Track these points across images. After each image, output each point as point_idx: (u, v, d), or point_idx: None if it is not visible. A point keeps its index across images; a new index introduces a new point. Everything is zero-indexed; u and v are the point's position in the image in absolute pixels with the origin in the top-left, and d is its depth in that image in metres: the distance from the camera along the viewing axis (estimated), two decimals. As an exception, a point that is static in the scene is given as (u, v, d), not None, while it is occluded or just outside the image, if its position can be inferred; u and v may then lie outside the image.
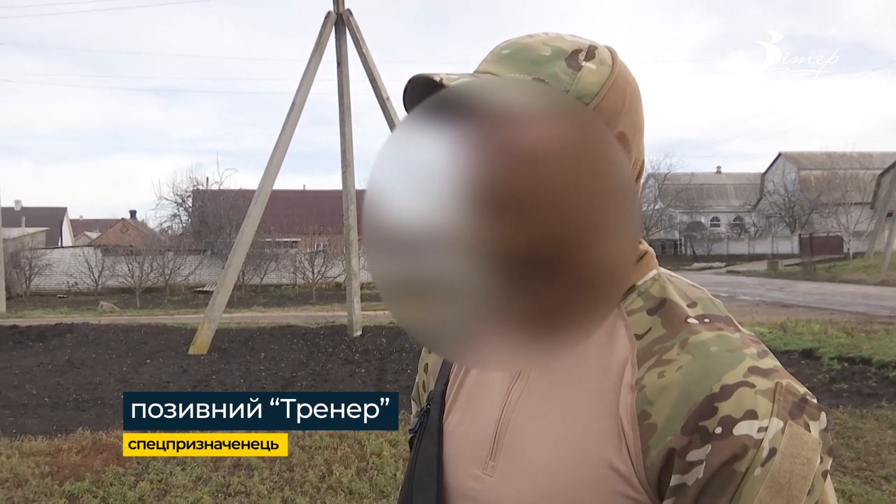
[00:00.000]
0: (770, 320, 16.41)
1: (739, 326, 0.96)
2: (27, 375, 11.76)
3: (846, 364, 11.08)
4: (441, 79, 0.91)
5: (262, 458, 6.71)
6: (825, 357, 11.63)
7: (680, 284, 1.02)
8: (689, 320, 0.94)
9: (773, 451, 0.82)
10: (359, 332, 15.91)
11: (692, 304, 0.97)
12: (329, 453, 6.85)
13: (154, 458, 6.67)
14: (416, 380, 1.31)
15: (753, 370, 0.86)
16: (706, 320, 0.94)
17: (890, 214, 37.16)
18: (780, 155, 65.39)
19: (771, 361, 0.89)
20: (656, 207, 64.44)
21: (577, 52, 1.00)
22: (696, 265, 52.59)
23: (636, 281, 1.00)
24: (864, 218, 48.91)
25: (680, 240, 67.52)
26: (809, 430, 0.84)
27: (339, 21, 16.00)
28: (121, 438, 7.21)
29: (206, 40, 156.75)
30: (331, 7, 15.99)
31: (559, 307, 0.79)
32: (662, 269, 1.04)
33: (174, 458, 6.71)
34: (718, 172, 74.65)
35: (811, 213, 56.22)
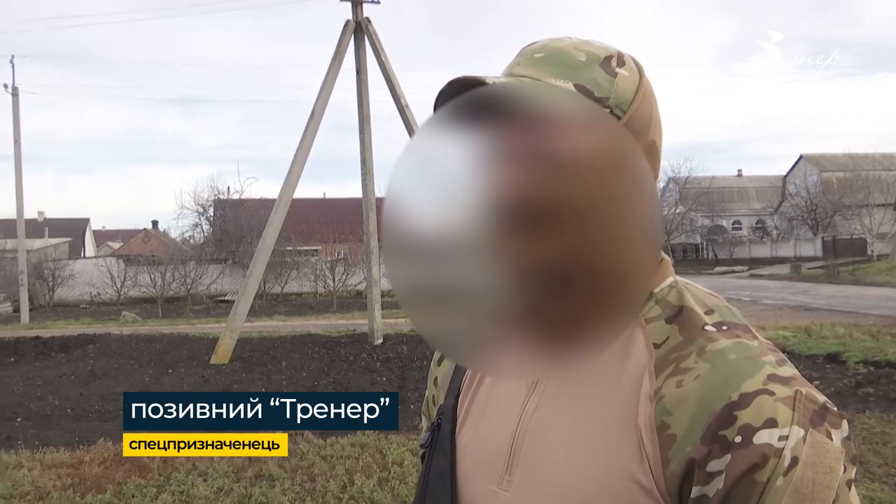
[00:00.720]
0: (794, 324, 16.29)
1: (757, 334, 0.94)
2: (49, 386, 11.83)
3: (872, 368, 10.94)
4: (494, 82, 0.87)
5: (284, 468, 6.70)
6: (850, 361, 11.50)
7: (696, 292, 1.00)
8: (707, 328, 0.92)
9: (794, 460, 0.80)
10: (380, 340, 15.91)
11: (709, 312, 0.95)
12: (351, 463, 6.83)
13: (176, 470, 6.67)
14: (426, 393, 1.28)
15: (773, 378, 0.84)
16: (724, 328, 0.92)
17: (914, 216, 36.85)
18: (801, 157, 65.00)
19: (790, 369, 0.87)
20: (677, 211, 64.22)
21: (609, 57, 0.98)
22: (719, 269, 52.38)
23: (653, 288, 0.98)
24: (888, 220, 48.57)
25: (701, 244, 67.26)
26: (831, 439, 0.82)
27: (358, 29, 16.07)
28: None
29: (227, 50, 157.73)
30: (350, 16, 16.05)
31: (580, 318, 0.78)
32: (679, 277, 1.02)
33: (196, 469, 6.71)
34: (740, 175, 74.33)
35: (834, 215, 55.84)
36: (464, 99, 0.79)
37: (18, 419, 9.58)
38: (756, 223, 69.42)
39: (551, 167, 0.74)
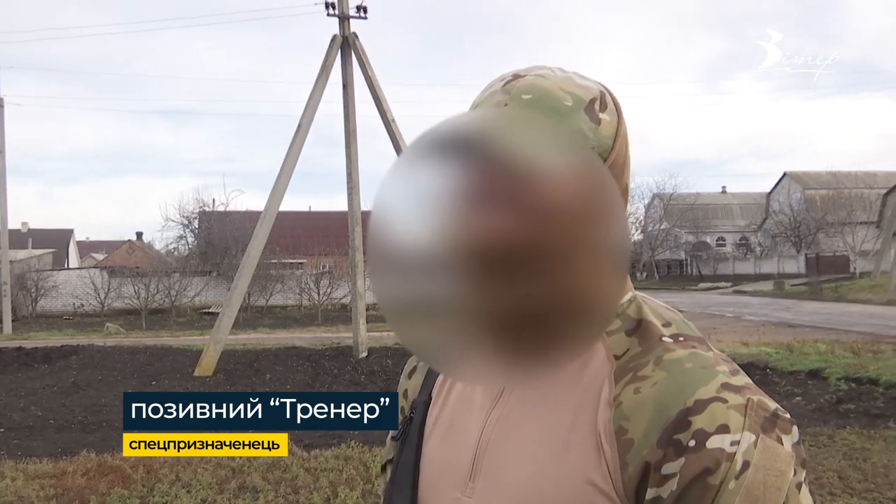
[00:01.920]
0: (776, 340, 16.36)
1: (711, 346, 0.97)
2: (32, 397, 11.78)
3: (853, 384, 11.01)
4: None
5: (268, 480, 6.71)
6: (832, 377, 11.57)
7: (654, 306, 1.03)
8: (664, 339, 0.96)
9: (746, 464, 0.83)
10: (364, 354, 15.91)
11: (667, 325, 0.99)
12: (334, 475, 6.84)
13: (160, 481, 6.66)
14: (399, 405, 1.33)
15: (726, 386, 0.87)
16: (680, 339, 0.96)
17: (896, 234, 37.11)
18: (785, 174, 65.40)
19: (743, 379, 0.91)
20: (662, 227, 64.49)
21: (593, 101, 1.00)
22: (703, 285, 52.56)
23: None
24: (870, 237, 48.84)
25: (686, 260, 67.53)
26: (782, 444, 0.86)
27: (345, 44, 16.13)
28: (126, 461, 7.22)
29: (214, 63, 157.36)
30: (337, 30, 16.11)
31: (550, 341, 0.81)
32: (637, 292, 1.05)
33: (179, 480, 6.71)
34: (724, 192, 74.72)
35: (817, 232, 56.17)
36: (450, 133, 0.81)
37: (1, 430, 9.55)
38: (740, 240, 69.74)
39: (535, 213, 0.76)
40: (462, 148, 0.79)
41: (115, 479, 6.75)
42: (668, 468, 0.85)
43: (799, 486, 0.86)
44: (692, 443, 0.84)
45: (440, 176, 0.78)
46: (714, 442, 0.83)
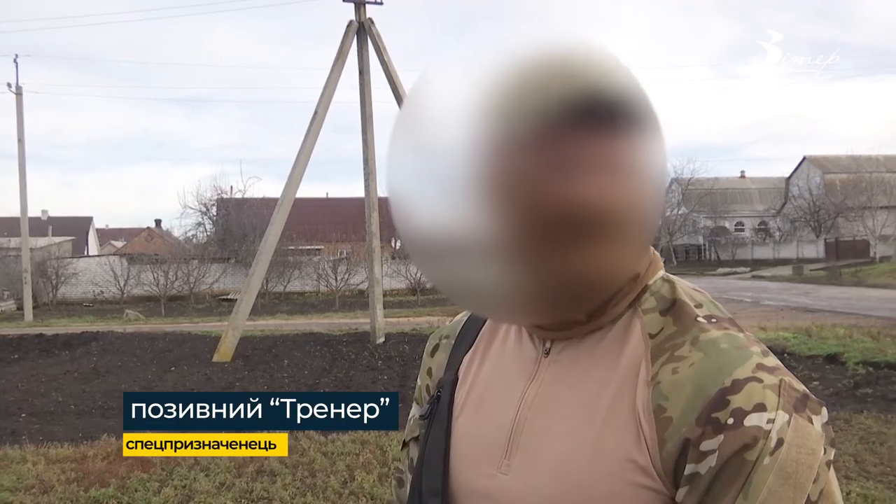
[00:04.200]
0: (795, 325, 16.30)
1: (742, 327, 0.99)
2: (53, 383, 11.90)
3: (871, 369, 10.96)
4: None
5: (285, 463, 6.76)
6: (850, 362, 11.52)
7: (685, 287, 1.05)
8: (699, 319, 0.98)
9: (780, 442, 0.85)
10: (381, 339, 15.95)
11: (699, 305, 1.01)
12: (351, 459, 6.88)
13: (178, 465, 6.73)
14: (419, 382, 1.32)
15: (760, 367, 0.90)
16: (713, 320, 0.98)
17: (916, 218, 36.80)
18: (804, 159, 64.88)
19: (773, 360, 0.93)
20: (680, 212, 64.09)
21: None
22: (721, 270, 52.29)
23: (648, 281, 1.03)
24: (891, 221, 48.47)
25: (704, 245, 67.14)
26: (813, 423, 0.88)
27: (361, 30, 16.09)
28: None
29: (231, 50, 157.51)
30: (352, 16, 16.09)
31: (569, 297, 0.88)
32: (667, 273, 1.07)
33: (198, 464, 6.77)
34: (742, 177, 74.16)
35: (836, 216, 55.75)
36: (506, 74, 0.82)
37: (23, 415, 9.65)
38: (759, 225, 69.28)
39: (609, 175, 0.81)
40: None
41: (135, 463, 6.82)
42: (706, 445, 0.87)
43: (829, 465, 0.88)
44: (731, 420, 0.86)
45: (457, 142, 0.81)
46: (752, 420, 0.86)
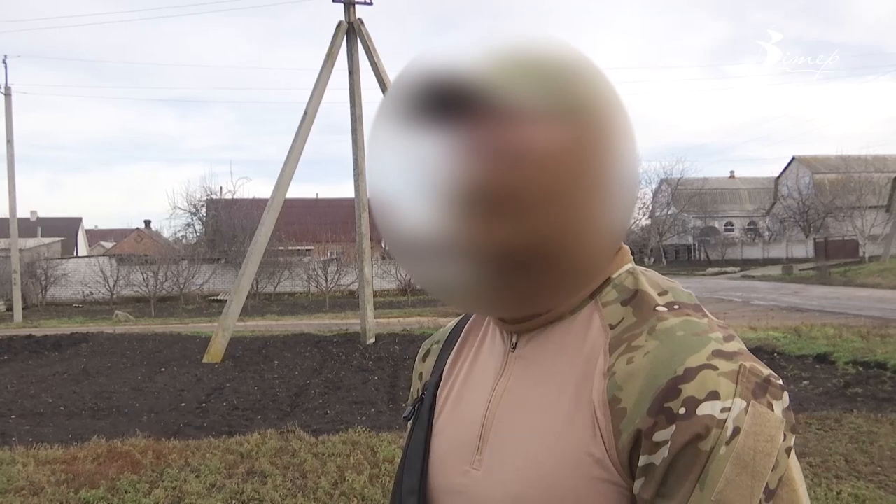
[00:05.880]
0: (784, 324, 16.36)
1: (708, 313, 0.99)
2: (43, 384, 11.86)
3: (861, 368, 11.03)
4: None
5: (276, 464, 6.75)
6: (840, 361, 11.59)
7: (652, 276, 1.05)
8: (658, 308, 0.97)
9: (737, 430, 0.84)
10: (372, 340, 15.96)
11: (663, 293, 1.01)
12: (342, 460, 6.87)
13: (169, 466, 6.72)
14: (412, 388, 1.34)
15: (717, 353, 0.88)
16: (675, 307, 0.97)
17: (905, 218, 36.96)
18: (793, 159, 65.12)
19: (736, 345, 0.91)
20: (669, 212, 64.33)
21: None
22: (711, 270, 52.48)
23: (611, 274, 1.03)
24: (880, 221, 48.66)
25: (694, 245, 67.40)
26: (773, 409, 0.86)
27: (351, 30, 16.09)
28: (135, 446, 7.28)
29: (220, 51, 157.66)
30: (342, 17, 16.08)
31: (543, 275, 0.89)
32: (636, 265, 1.07)
33: (189, 465, 6.76)
34: (732, 177, 74.50)
35: (826, 216, 56.01)
36: (428, 88, 0.86)
37: (12, 416, 9.61)
38: (748, 224, 69.61)
39: (509, 157, 0.82)
40: (434, 107, 0.84)
41: (125, 465, 6.81)
42: (659, 436, 0.86)
43: (788, 451, 0.87)
44: (682, 410, 0.85)
45: (414, 140, 0.85)
46: (704, 409, 0.84)
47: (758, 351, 12.73)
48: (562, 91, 0.86)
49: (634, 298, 1.00)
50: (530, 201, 0.83)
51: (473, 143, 0.82)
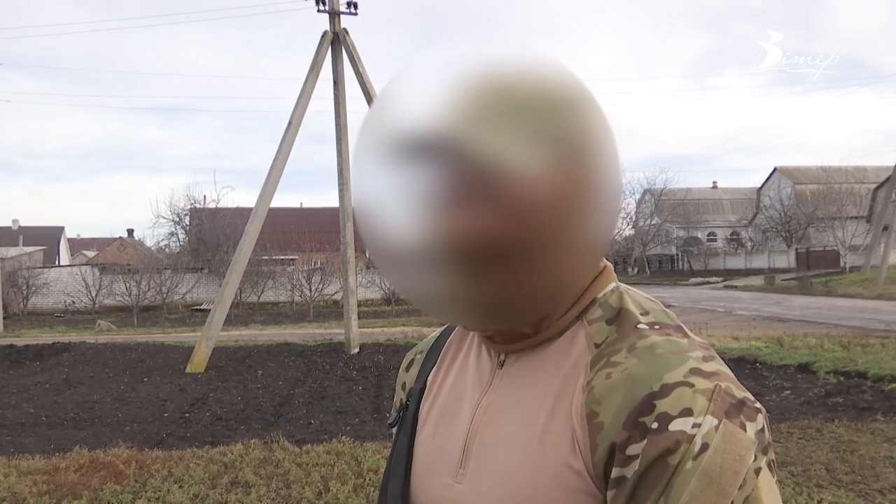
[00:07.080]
0: (766, 334, 16.43)
1: (689, 333, 1.00)
2: (24, 394, 11.79)
3: (842, 378, 11.09)
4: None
5: (260, 475, 6.74)
6: (821, 371, 11.66)
7: (636, 296, 1.07)
8: (639, 326, 0.99)
9: (705, 446, 0.85)
10: (356, 350, 15.94)
11: (645, 313, 1.03)
12: (326, 470, 6.86)
13: (152, 476, 6.70)
14: (395, 399, 1.36)
15: (695, 371, 0.90)
16: (656, 327, 0.99)
17: (885, 228, 37.23)
18: (775, 170, 65.52)
19: (715, 365, 0.93)
20: (653, 222, 64.56)
21: None
22: (694, 280, 52.61)
23: (597, 293, 1.05)
24: (861, 232, 49.02)
25: (677, 255, 67.59)
26: (745, 430, 0.88)
27: (336, 40, 16.13)
28: (118, 456, 7.24)
29: (205, 60, 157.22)
30: (327, 26, 16.11)
31: (517, 300, 0.91)
32: (621, 283, 1.09)
33: (172, 475, 6.74)
34: (714, 187, 74.87)
35: (807, 227, 56.36)
36: (424, 132, 0.85)
37: (-7, 427, 9.54)
38: (731, 235, 69.91)
39: (505, 211, 0.83)
40: (433, 150, 0.84)
41: (108, 475, 6.78)
42: (632, 449, 0.88)
43: (758, 472, 0.88)
44: (655, 425, 0.87)
45: (417, 180, 0.84)
46: (676, 424, 0.86)
47: (740, 361, 12.83)
48: (540, 133, 0.85)
49: (618, 317, 1.02)
50: (516, 253, 0.85)
51: (450, 188, 0.82)
